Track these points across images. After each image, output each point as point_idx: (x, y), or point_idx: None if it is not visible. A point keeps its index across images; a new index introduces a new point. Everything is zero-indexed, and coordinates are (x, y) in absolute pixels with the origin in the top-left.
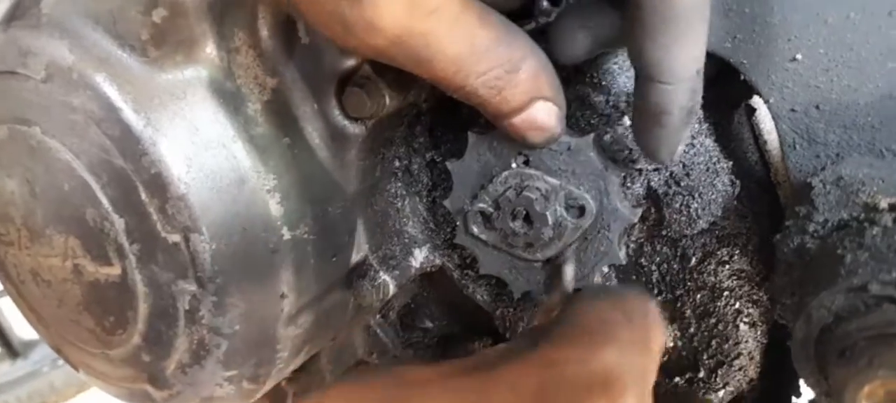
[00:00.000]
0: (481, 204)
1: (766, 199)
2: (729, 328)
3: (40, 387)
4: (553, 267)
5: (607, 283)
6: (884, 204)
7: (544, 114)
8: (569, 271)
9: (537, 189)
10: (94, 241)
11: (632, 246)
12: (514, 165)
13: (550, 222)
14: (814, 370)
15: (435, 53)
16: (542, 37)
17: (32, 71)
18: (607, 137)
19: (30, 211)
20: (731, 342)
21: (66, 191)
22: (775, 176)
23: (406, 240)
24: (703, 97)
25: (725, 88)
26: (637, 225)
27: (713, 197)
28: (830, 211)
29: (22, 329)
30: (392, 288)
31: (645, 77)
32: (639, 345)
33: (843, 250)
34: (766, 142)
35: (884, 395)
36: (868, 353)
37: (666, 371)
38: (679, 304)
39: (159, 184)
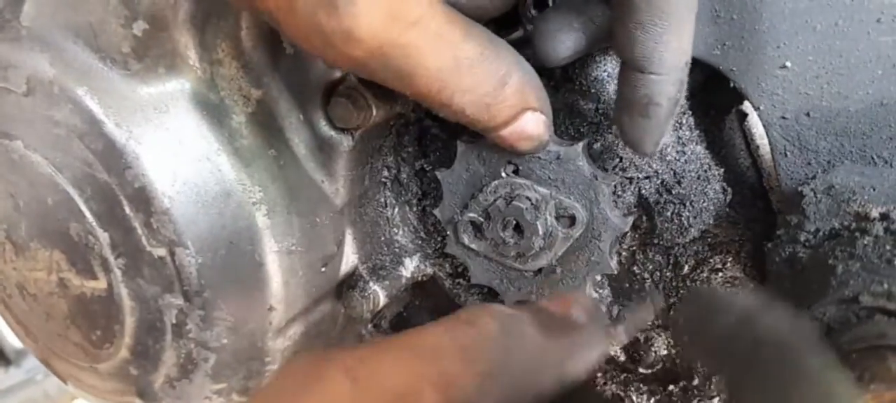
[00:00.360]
0: (471, 214)
1: (758, 205)
2: None
3: (34, 395)
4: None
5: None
6: (875, 213)
7: (532, 125)
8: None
9: (527, 198)
10: (79, 255)
11: (624, 254)
12: (503, 175)
13: (541, 232)
14: None
15: (416, 67)
16: (528, 44)
17: (13, 84)
18: (597, 146)
19: (14, 224)
20: None
21: (49, 205)
22: (768, 181)
23: (396, 250)
24: (694, 103)
25: (715, 95)
26: (629, 234)
27: (705, 205)
28: (821, 221)
29: (14, 337)
30: (382, 299)
31: (634, 68)
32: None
33: (834, 260)
34: (758, 146)
35: None
36: (860, 367)
37: (660, 379)
38: (672, 312)
39: (143, 198)
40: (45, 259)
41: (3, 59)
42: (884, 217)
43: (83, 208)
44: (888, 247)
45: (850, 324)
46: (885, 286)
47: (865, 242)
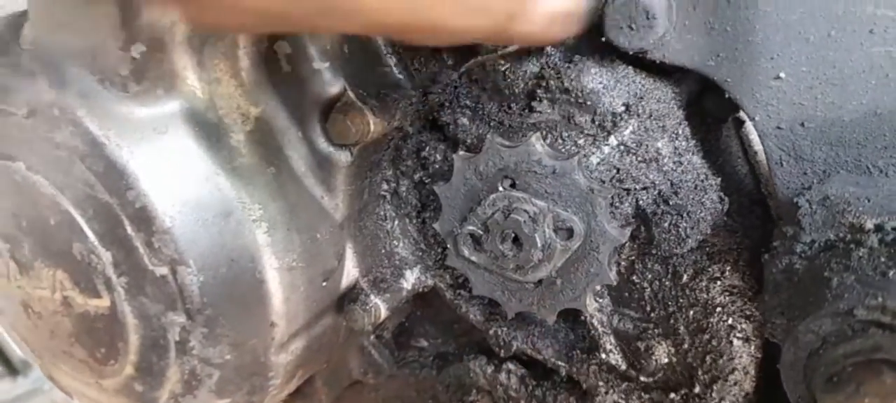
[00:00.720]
0: (470, 227)
1: (756, 212)
2: (723, 343)
3: None
4: None
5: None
6: (869, 224)
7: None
8: None
9: (525, 211)
10: (83, 274)
11: (623, 264)
12: (500, 188)
13: (539, 244)
14: (804, 394)
15: None
16: None
17: (14, 107)
18: (594, 158)
19: (17, 244)
20: (725, 357)
21: (52, 226)
22: (765, 187)
23: (397, 262)
24: (689, 113)
25: (711, 105)
26: (627, 244)
27: (702, 214)
28: (817, 232)
29: None
30: (383, 311)
31: None
32: None
33: (829, 272)
34: (755, 153)
35: None
36: (855, 380)
37: (661, 387)
38: (672, 321)
39: (145, 218)
40: (49, 278)
41: (2, 82)
42: (878, 228)
43: (85, 228)
44: (883, 259)
45: (846, 337)
46: (880, 299)
47: (860, 254)
